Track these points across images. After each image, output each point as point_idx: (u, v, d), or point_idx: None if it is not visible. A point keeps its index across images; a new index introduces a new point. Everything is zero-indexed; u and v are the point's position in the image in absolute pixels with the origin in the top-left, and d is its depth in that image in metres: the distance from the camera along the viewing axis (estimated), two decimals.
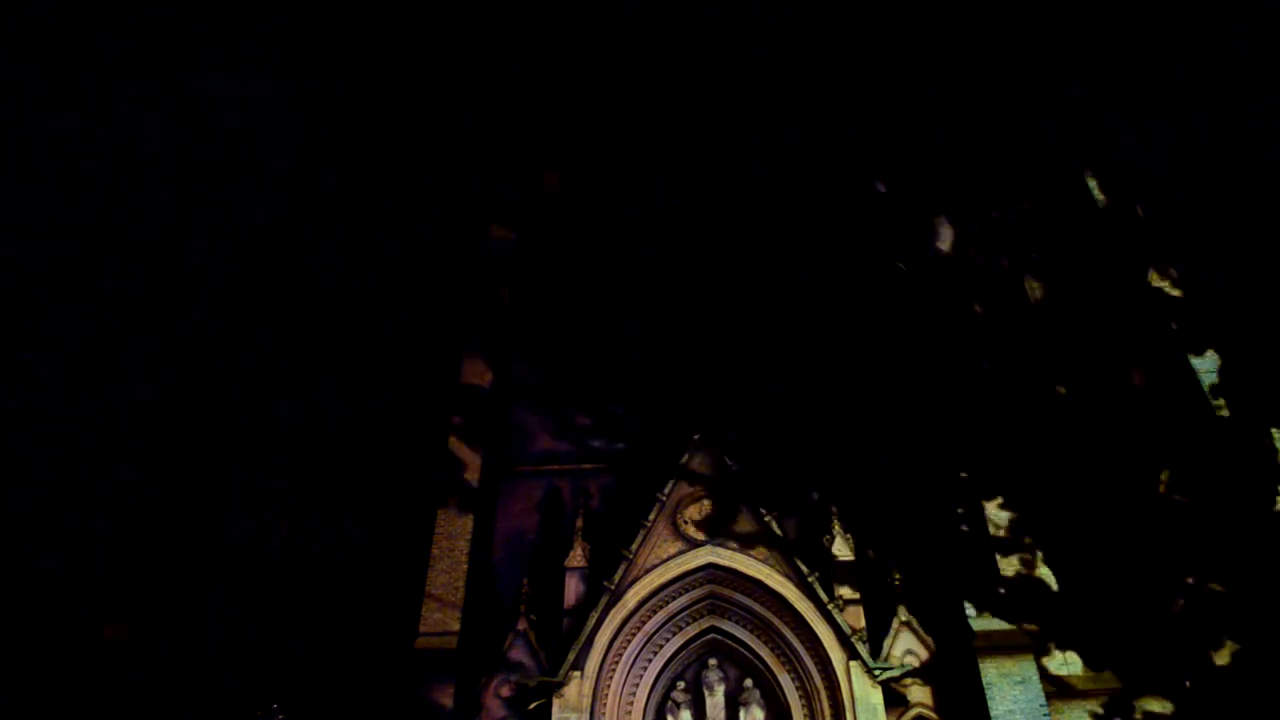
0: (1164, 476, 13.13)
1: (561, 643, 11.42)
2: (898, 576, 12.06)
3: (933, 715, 11.07)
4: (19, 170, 14.89)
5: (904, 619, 11.62)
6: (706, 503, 12.38)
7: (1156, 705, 11.22)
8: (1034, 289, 15.23)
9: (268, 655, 12.86)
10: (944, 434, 13.03)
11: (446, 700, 10.91)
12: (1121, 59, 17.32)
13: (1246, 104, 15.60)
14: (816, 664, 11.21)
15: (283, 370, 16.16)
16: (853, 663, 10.94)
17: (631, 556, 11.86)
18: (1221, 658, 11.53)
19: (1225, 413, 13.13)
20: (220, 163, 18.07)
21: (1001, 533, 12.52)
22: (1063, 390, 14.25)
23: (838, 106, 18.41)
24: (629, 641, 11.61)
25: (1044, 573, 12.43)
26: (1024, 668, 10.75)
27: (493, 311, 15.30)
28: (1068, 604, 12.21)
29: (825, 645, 11.14)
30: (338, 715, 12.01)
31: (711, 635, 11.97)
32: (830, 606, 11.29)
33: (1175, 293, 14.55)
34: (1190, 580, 12.33)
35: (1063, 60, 17.90)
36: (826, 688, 11.04)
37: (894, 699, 11.02)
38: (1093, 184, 16.41)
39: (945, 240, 15.81)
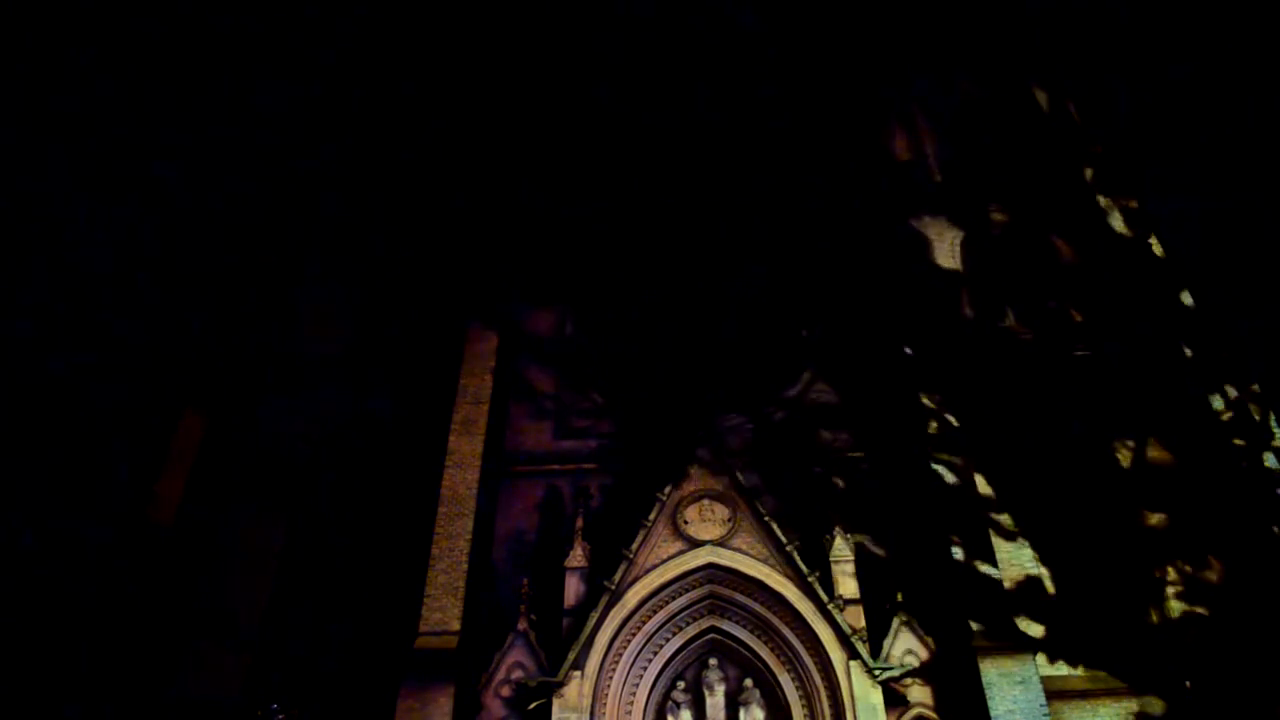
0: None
1: (561, 643, 11.41)
2: (898, 576, 12.06)
3: (933, 715, 11.07)
4: (14, 166, 14.88)
5: (904, 619, 11.62)
6: (706, 503, 12.37)
7: (1157, 705, 11.23)
8: (1035, 297, 15.27)
9: (267, 655, 12.85)
10: (944, 433, 13.03)
11: (446, 700, 10.91)
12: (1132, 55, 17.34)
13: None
14: (816, 664, 11.20)
15: (282, 369, 16.15)
16: (853, 663, 10.93)
17: (632, 556, 11.85)
18: (1221, 657, 11.55)
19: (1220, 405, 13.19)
20: (219, 159, 18.06)
21: (1002, 532, 12.55)
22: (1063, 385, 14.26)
23: (836, 102, 18.41)
24: (629, 641, 11.60)
25: (1044, 573, 12.46)
26: (1024, 668, 10.75)
27: (493, 311, 15.29)
28: (1069, 604, 12.22)
29: (825, 645, 11.13)
30: (338, 715, 12.00)
31: (711, 635, 11.97)
32: (830, 606, 11.28)
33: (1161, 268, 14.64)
34: (1190, 580, 12.34)
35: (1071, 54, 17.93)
36: (826, 688, 11.04)
37: (894, 699, 11.01)
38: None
39: (944, 241, 15.81)
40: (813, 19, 19.35)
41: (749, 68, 19.62)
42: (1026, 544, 12.53)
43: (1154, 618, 12.13)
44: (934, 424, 13.08)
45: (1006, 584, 11.91)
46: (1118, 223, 15.44)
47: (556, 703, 10.89)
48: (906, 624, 11.58)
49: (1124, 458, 13.52)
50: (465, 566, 12.18)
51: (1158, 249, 15.04)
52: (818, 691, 11.09)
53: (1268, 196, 14.74)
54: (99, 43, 16.05)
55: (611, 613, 11.50)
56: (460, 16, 19.93)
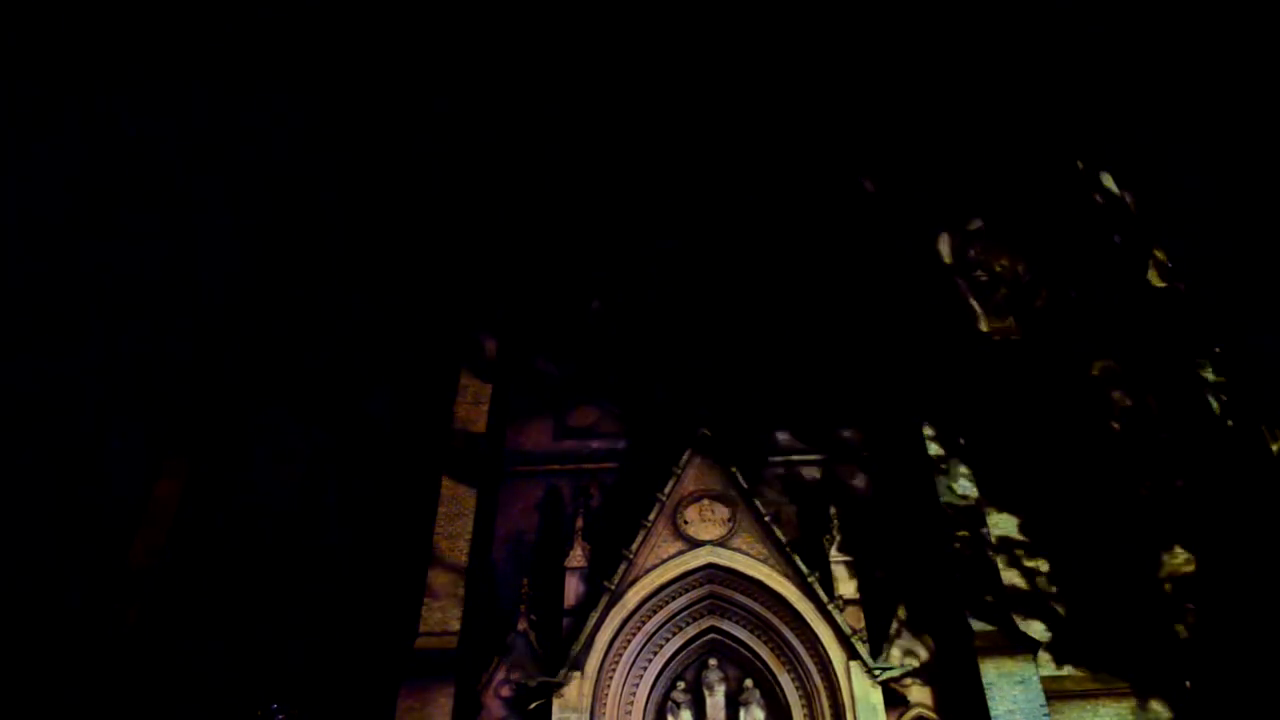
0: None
1: (561, 643, 11.41)
2: (898, 576, 12.05)
3: (933, 715, 11.07)
4: (17, 169, 14.90)
5: (904, 619, 11.62)
6: (706, 503, 12.37)
7: (1157, 705, 11.23)
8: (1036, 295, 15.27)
9: (268, 655, 12.85)
10: (946, 434, 13.03)
11: (446, 700, 10.91)
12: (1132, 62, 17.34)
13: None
14: (816, 664, 11.20)
15: (283, 370, 16.14)
16: (853, 663, 10.93)
17: (632, 556, 11.84)
18: (1222, 656, 11.55)
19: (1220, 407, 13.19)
20: (216, 162, 18.07)
21: (1002, 533, 12.55)
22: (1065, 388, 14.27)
23: (837, 107, 18.41)
24: (629, 641, 11.60)
25: (1044, 573, 12.46)
26: (1024, 668, 10.75)
27: (493, 311, 15.29)
28: (1068, 604, 12.22)
29: (825, 645, 11.13)
30: (338, 715, 12.00)
31: (711, 635, 11.96)
32: (830, 606, 11.28)
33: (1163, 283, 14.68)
34: (1191, 580, 12.34)
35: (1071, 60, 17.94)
36: (826, 688, 11.04)
37: (894, 699, 11.02)
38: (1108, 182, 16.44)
39: (945, 244, 15.82)
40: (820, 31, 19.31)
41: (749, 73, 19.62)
42: (1027, 544, 12.54)
43: (1155, 618, 12.12)
44: (935, 424, 13.09)
45: (1007, 584, 11.92)
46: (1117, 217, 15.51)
47: (556, 703, 10.89)
48: (906, 624, 11.59)
49: (1128, 457, 13.52)
50: (465, 566, 12.18)
51: (1160, 253, 15.08)
52: (818, 692, 11.09)
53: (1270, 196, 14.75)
54: (98, 44, 16.07)
55: (611, 613, 11.49)
56: (463, 17, 19.91)
